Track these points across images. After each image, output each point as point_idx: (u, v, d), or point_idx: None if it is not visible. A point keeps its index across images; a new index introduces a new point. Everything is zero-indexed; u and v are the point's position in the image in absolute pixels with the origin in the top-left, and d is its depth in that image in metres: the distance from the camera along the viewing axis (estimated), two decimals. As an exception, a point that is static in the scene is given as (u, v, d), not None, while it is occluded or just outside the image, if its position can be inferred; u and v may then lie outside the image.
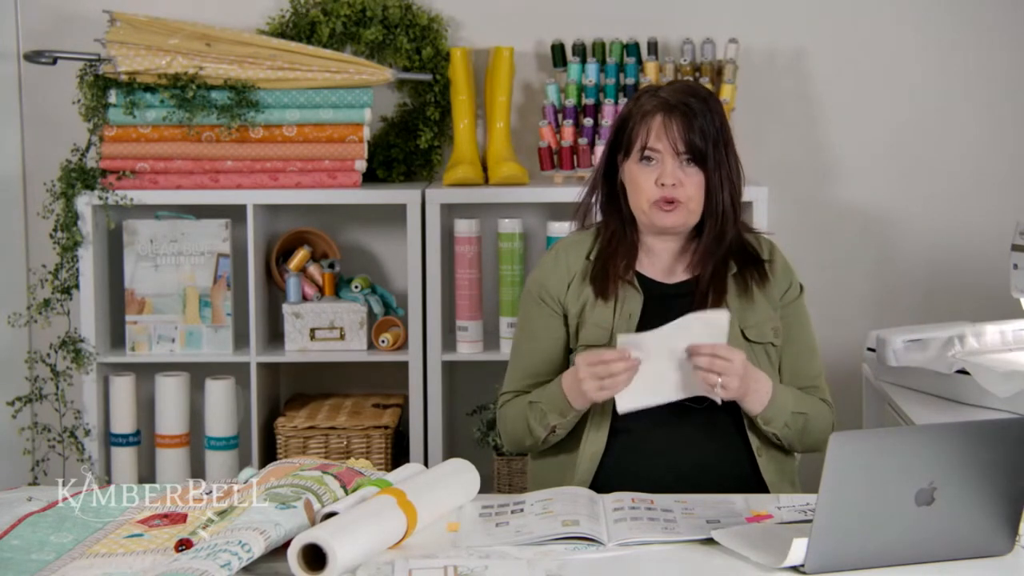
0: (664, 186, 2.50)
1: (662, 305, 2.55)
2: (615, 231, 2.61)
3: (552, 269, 2.63)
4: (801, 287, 2.65)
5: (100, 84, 3.43)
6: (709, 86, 3.56)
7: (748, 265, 2.59)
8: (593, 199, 2.66)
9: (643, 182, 2.53)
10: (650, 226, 2.56)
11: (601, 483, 2.48)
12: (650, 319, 2.53)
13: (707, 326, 2.43)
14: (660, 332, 2.44)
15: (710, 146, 2.50)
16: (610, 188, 2.62)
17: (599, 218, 2.68)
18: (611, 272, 2.57)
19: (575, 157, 3.57)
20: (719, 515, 2.19)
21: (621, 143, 2.58)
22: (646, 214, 2.54)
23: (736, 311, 2.55)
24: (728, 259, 2.57)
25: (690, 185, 2.51)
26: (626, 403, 2.44)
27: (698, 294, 2.55)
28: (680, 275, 2.59)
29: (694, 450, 2.51)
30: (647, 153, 2.52)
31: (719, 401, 2.44)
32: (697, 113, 2.50)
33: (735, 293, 2.56)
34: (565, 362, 2.61)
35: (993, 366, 2.94)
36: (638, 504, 2.24)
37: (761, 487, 2.52)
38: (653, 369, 2.43)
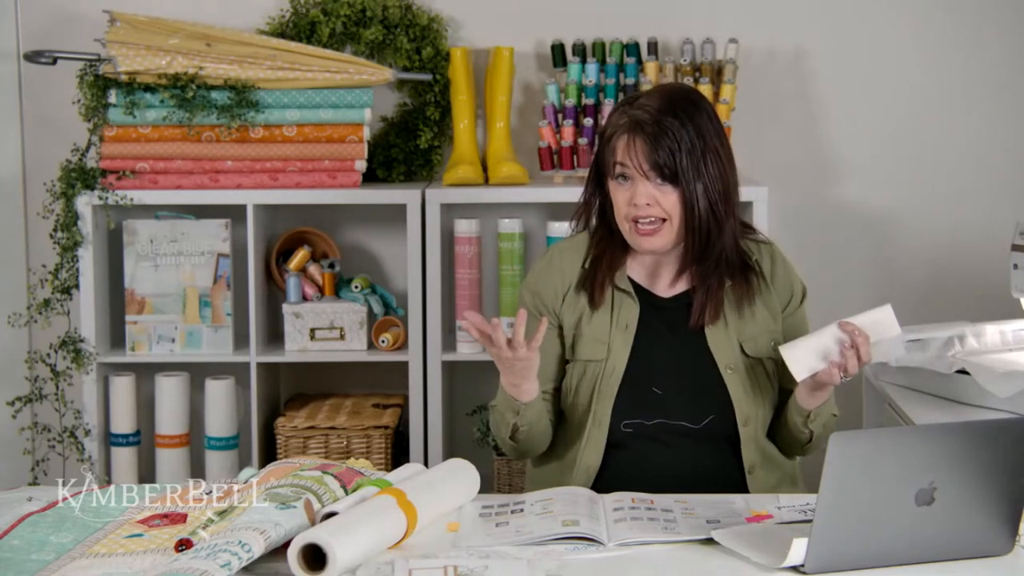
0: (637, 206, 2.46)
1: (658, 317, 2.54)
2: (603, 236, 2.58)
3: (546, 278, 2.59)
4: (804, 292, 2.62)
5: (100, 84, 3.43)
6: (709, 86, 3.56)
7: (742, 277, 2.54)
8: (589, 206, 2.63)
9: (619, 200, 2.49)
10: (634, 247, 2.52)
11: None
12: (647, 330, 2.52)
13: (875, 322, 2.42)
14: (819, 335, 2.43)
15: (682, 161, 2.42)
16: (602, 197, 2.58)
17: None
18: (598, 279, 2.54)
19: (575, 157, 3.57)
20: (719, 515, 2.19)
21: (601, 157, 2.54)
22: (626, 235, 2.51)
23: (733, 324, 2.53)
24: (722, 271, 2.52)
25: (666, 203, 2.45)
26: (799, 371, 2.41)
27: (694, 308, 2.53)
28: (675, 287, 2.56)
29: (690, 468, 2.49)
30: (619, 171, 2.48)
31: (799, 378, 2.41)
32: (666, 129, 2.42)
33: (732, 306, 2.53)
34: (560, 374, 2.58)
35: (993, 366, 2.94)
36: (638, 504, 2.24)
37: None
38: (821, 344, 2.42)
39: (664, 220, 2.47)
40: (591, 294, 2.54)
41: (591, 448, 2.51)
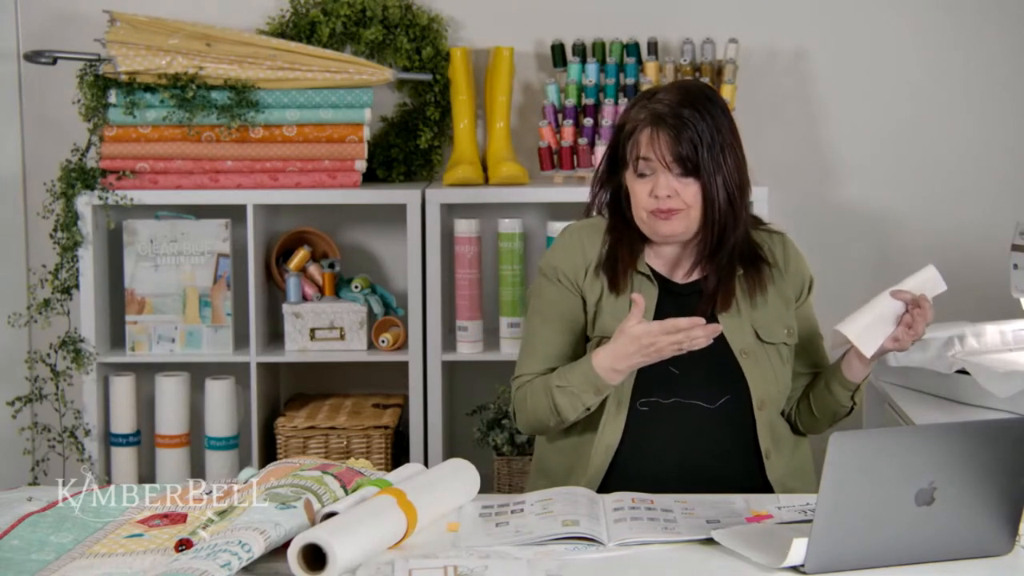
0: (658, 198, 2.50)
1: (675, 302, 2.56)
2: (618, 227, 2.61)
3: (567, 253, 2.61)
4: (812, 282, 2.68)
5: (100, 84, 3.43)
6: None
7: (754, 267, 2.59)
8: (599, 199, 2.65)
9: (639, 193, 2.52)
10: (651, 235, 2.56)
11: (614, 474, 2.50)
12: (663, 314, 2.53)
13: (923, 283, 2.52)
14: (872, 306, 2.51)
15: (703, 154, 2.47)
16: (614, 190, 2.62)
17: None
18: (621, 266, 2.57)
19: (575, 157, 3.57)
20: (719, 515, 2.20)
21: (619, 151, 2.57)
22: (645, 223, 2.54)
23: (746, 311, 2.56)
24: (734, 261, 2.56)
25: (687, 195, 2.49)
26: (869, 347, 2.48)
27: (705, 296, 2.55)
28: (690, 275, 2.59)
29: (704, 448, 2.51)
30: (640, 165, 2.51)
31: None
32: (687, 122, 2.47)
33: (744, 294, 2.57)
34: (583, 346, 2.60)
35: (993, 366, 2.94)
36: (638, 504, 2.24)
37: (767, 487, 2.53)
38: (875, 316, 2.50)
39: (681, 209, 2.51)
40: (613, 279, 2.57)
41: (611, 425, 2.52)
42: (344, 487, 2.17)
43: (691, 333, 2.39)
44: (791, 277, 2.63)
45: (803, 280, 2.65)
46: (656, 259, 2.61)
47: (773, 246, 2.64)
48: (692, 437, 2.51)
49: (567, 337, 2.60)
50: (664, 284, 2.58)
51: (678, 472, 2.48)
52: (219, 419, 3.57)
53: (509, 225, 3.53)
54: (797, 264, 2.65)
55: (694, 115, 2.48)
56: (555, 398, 2.51)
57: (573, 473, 2.54)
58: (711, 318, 2.52)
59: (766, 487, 2.53)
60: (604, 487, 2.50)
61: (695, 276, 2.58)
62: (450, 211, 3.57)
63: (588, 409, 2.51)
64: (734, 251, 2.56)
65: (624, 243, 2.59)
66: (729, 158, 2.51)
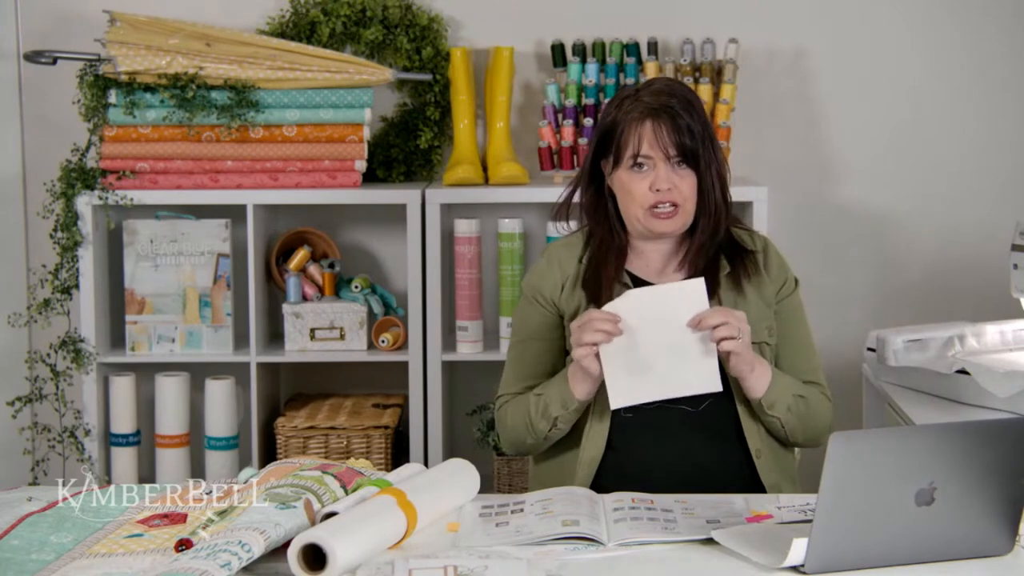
0: (659, 191, 2.49)
1: None
2: (603, 237, 2.60)
3: (546, 272, 2.62)
4: (796, 281, 2.64)
5: (100, 84, 3.43)
6: (709, 86, 3.56)
7: (739, 260, 2.58)
8: (575, 200, 2.65)
9: (635, 189, 2.51)
10: (645, 232, 2.55)
11: (600, 487, 2.48)
12: None
13: (688, 297, 2.41)
14: (638, 297, 2.41)
15: (699, 145, 2.48)
16: (596, 192, 2.61)
17: (579, 215, 2.66)
18: (604, 279, 2.56)
19: (575, 157, 3.57)
20: (719, 515, 2.19)
21: (608, 150, 2.55)
22: (641, 221, 2.53)
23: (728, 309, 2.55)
24: (719, 257, 2.56)
25: (685, 187, 2.50)
26: (619, 399, 2.42)
27: None
28: (672, 274, 2.58)
29: (692, 454, 2.50)
30: (639, 160, 2.50)
31: (719, 387, 2.41)
32: (682, 114, 2.48)
33: (729, 292, 2.56)
34: (562, 364, 2.60)
35: (993, 366, 2.94)
36: (638, 504, 2.24)
37: (759, 490, 2.51)
38: (641, 357, 2.40)
39: (677, 205, 2.50)
40: (595, 294, 2.55)
41: (593, 440, 2.52)
42: (344, 487, 2.17)
43: (594, 323, 2.39)
44: (773, 276, 2.61)
45: (785, 277, 2.62)
46: (637, 261, 2.60)
47: (754, 245, 2.63)
48: (678, 441, 2.50)
49: (547, 356, 2.61)
50: (643, 285, 2.56)
51: (666, 477, 2.46)
52: (219, 419, 3.57)
53: (509, 225, 3.54)
54: (779, 263, 2.63)
55: (686, 106, 2.49)
56: (531, 406, 2.54)
57: (563, 485, 2.53)
58: None
59: (757, 488, 2.52)
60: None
61: (677, 277, 2.58)
62: (450, 211, 3.57)
63: (555, 422, 2.51)
64: (719, 246, 2.56)
65: (610, 253, 2.57)
66: (716, 151, 2.53)
